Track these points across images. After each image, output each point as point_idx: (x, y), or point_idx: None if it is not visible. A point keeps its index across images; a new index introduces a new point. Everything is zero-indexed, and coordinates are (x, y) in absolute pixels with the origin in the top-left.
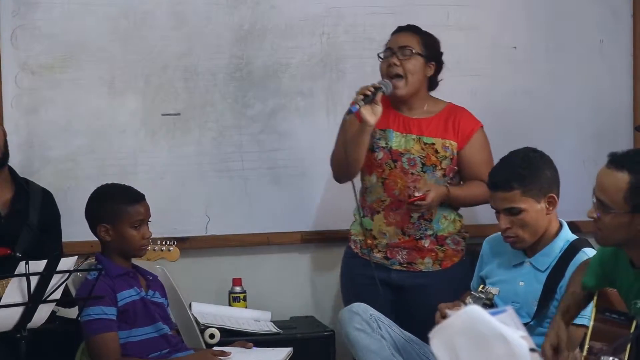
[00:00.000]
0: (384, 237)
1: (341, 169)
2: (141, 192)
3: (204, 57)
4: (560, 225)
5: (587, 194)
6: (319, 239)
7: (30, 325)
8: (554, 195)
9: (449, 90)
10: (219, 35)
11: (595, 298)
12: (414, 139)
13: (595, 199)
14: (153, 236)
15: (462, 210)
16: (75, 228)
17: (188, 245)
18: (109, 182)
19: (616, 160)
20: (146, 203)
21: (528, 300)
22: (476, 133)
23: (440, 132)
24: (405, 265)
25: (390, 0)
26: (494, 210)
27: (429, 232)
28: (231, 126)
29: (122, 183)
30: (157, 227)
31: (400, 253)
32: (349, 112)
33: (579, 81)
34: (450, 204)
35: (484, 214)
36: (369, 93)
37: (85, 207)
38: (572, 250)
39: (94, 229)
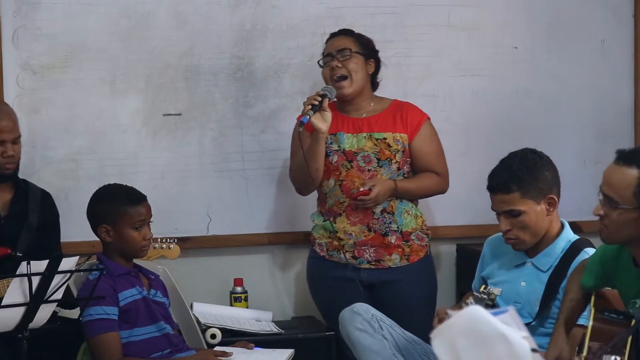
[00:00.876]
0: (351, 238)
1: (303, 181)
2: (143, 192)
3: (205, 57)
4: (562, 226)
5: (588, 194)
6: None
7: (31, 325)
8: (554, 196)
9: (450, 89)
10: (220, 36)
11: (593, 298)
12: (365, 136)
13: (601, 195)
14: (154, 236)
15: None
16: (76, 228)
17: (189, 245)
18: (111, 183)
19: (625, 157)
20: (148, 204)
21: (530, 300)
22: (424, 124)
23: (389, 127)
24: (373, 263)
25: (391, 0)
26: (495, 212)
27: (394, 227)
28: (232, 126)
29: (123, 183)
30: (158, 227)
31: (368, 251)
32: (300, 124)
33: (580, 81)
34: (401, 197)
35: (441, 216)
36: (315, 102)
37: (87, 207)
38: (573, 250)
39: (95, 229)
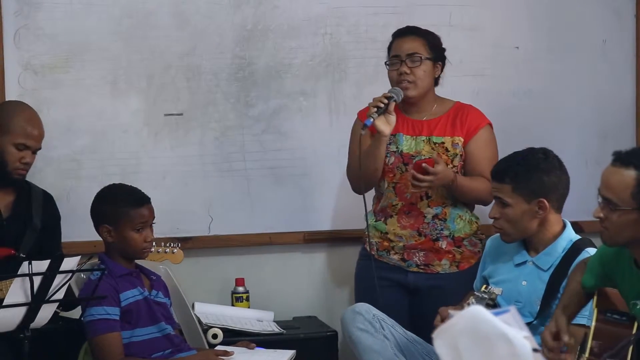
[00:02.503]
0: (401, 240)
1: (361, 181)
2: (144, 192)
3: (207, 57)
4: (564, 225)
5: (590, 194)
6: (322, 239)
7: (33, 325)
8: (545, 201)
9: (451, 90)
10: (221, 35)
11: (595, 298)
12: (424, 140)
13: (600, 198)
14: (156, 237)
15: (478, 212)
16: (78, 228)
17: (191, 245)
18: (115, 183)
19: (622, 158)
20: (150, 206)
21: (531, 299)
22: (482, 129)
23: (448, 130)
24: (422, 267)
25: (392, 0)
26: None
27: (446, 233)
28: (234, 126)
29: (126, 183)
30: (160, 227)
31: (417, 255)
32: (364, 126)
33: (582, 81)
34: (454, 192)
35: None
36: (381, 105)
37: (90, 206)
38: (575, 250)
39: (97, 228)
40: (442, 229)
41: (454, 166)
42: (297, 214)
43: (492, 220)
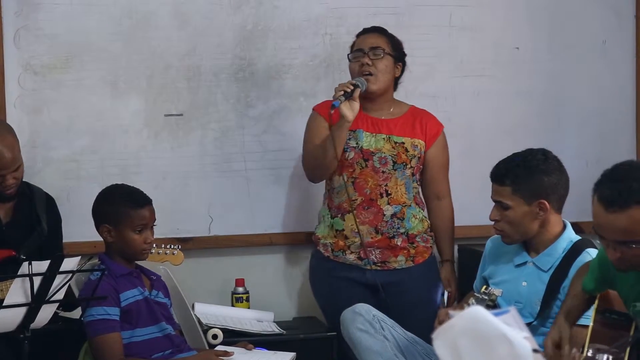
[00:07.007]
0: (357, 237)
1: (319, 168)
2: (148, 195)
3: (207, 58)
4: (564, 226)
5: (590, 195)
6: None
7: (33, 325)
8: (546, 202)
9: (451, 90)
10: (221, 36)
11: (597, 301)
12: (384, 138)
13: (615, 243)
14: (156, 237)
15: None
16: (78, 228)
17: (191, 245)
18: (118, 183)
19: (616, 202)
20: (152, 207)
21: (531, 300)
22: (441, 134)
23: (408, 132)
24: (379, 264)
25: (392, 1)
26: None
27: (402, 231)
28: (234, 127)
29: (128, 184)
30: (160, 227)
31: (374, 252)
32: (332, 107)
33: (582, 82)
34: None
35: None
36: (348, 90)
37: (91, 206)
38: (575, 250)
39: (97, 228)
40: (398, 227)
41: (412, 167)
42: (297, 214)
43: (493, 222)
